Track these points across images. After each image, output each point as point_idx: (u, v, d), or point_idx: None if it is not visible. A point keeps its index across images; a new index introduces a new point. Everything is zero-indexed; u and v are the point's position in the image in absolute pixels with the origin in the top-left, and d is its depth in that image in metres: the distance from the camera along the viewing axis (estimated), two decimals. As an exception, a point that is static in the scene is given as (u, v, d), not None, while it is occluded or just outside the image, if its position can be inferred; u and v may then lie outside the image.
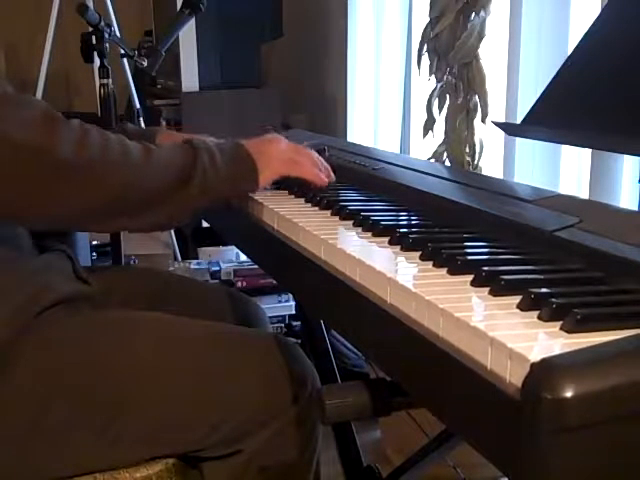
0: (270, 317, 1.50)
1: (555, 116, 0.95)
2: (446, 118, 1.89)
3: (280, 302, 2.36)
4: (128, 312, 1.02)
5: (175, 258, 2.74)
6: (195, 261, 2.52)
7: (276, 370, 0.95)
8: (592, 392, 0.42)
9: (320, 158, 1.06)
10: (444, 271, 0.65)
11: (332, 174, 1.05)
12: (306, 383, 0.96)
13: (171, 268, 2.43)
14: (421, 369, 0.58)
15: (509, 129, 1.16)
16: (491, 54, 1.80)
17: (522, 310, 0.55)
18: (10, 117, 0.81)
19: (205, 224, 2.39)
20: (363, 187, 1.02)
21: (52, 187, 0.82)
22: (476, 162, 1.83)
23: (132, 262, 2.55)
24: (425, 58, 1.93)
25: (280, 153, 1.00)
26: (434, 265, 0.67)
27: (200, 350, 0.95)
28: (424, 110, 1.95)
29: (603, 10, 0.98)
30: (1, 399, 0.86)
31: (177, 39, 2.34)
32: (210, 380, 0.92)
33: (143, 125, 2.67)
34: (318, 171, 1.02)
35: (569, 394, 0.41)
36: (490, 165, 1.85)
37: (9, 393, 0.86)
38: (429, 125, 1.94)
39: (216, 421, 0.91)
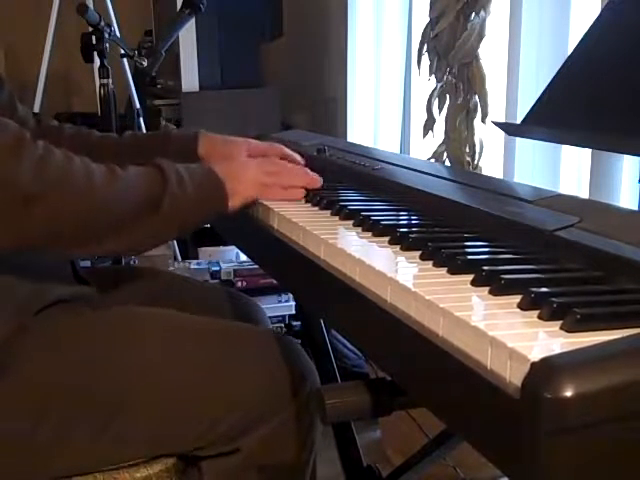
0: (270, 317, 1.49)
1: (555, 116, 0.95)
2: (446, 118, 1.89)
3: (280, 302, 2.36)
4: (126, 309, 1.01)
5: (175, 258, 2.73)
6: (195, 261, 2.52)
7: (275, 365, 0.95)
8: (592, 392, 0.42)
9: (297, 165, 1.02)
10: (444, 271, 0.65)
11: (317, 177, 1.01)
12: (305, 379, 0.96)
13: (171, 268, 2.43)
14: (421, 369, 0.58)
15: (509, 129, 1.15)
16: (491, 54, 1.80)
17: (522, 309, 0.55)
18: None
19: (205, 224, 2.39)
20: (363, 187, 1.02)
21: (16, 218, 0.79)
22: (476, 162, 1.83)
23: (132, 262, 2.54)
24: (425, 58, 1.93)
25: (251, 176, 0.97)
26: (434, 265, 0.67)
27: (199, 346, 0.95)
28: (424, 110, 1.95)
29: (603, 10, 0.98)
30: (0, 399, 0.86)
31: (177, 39, 2.34)
32: (209, 376, 0.92)
33: (143, 125, 2.68)
34: (288, 191, 0.99)
35: (569, 393, 0.41)
36: (490, 165, 1.85)
37: (9, 393, 0.86)
38: (429, 125, 1.94)
39: (215, 417, 0.91)
